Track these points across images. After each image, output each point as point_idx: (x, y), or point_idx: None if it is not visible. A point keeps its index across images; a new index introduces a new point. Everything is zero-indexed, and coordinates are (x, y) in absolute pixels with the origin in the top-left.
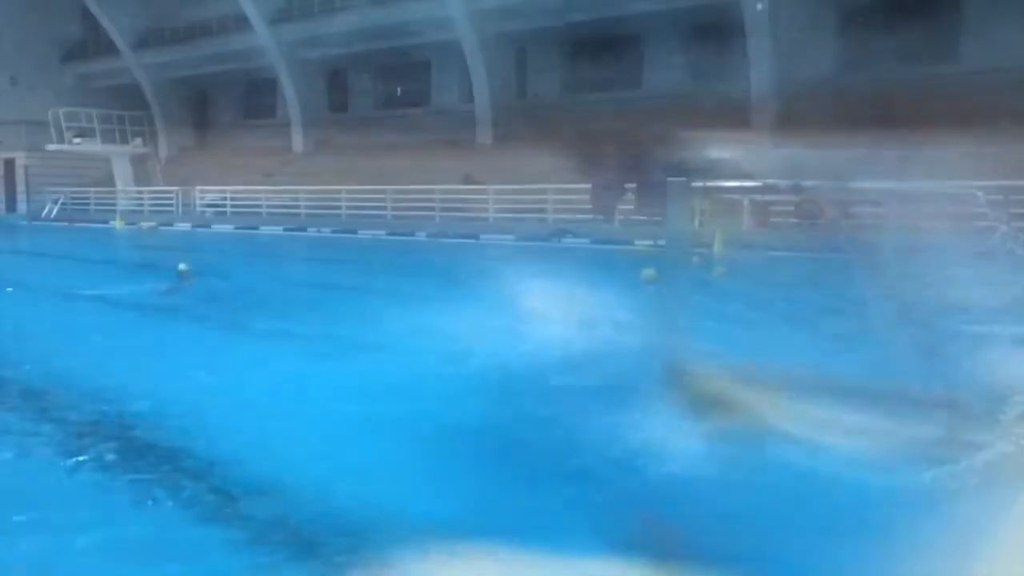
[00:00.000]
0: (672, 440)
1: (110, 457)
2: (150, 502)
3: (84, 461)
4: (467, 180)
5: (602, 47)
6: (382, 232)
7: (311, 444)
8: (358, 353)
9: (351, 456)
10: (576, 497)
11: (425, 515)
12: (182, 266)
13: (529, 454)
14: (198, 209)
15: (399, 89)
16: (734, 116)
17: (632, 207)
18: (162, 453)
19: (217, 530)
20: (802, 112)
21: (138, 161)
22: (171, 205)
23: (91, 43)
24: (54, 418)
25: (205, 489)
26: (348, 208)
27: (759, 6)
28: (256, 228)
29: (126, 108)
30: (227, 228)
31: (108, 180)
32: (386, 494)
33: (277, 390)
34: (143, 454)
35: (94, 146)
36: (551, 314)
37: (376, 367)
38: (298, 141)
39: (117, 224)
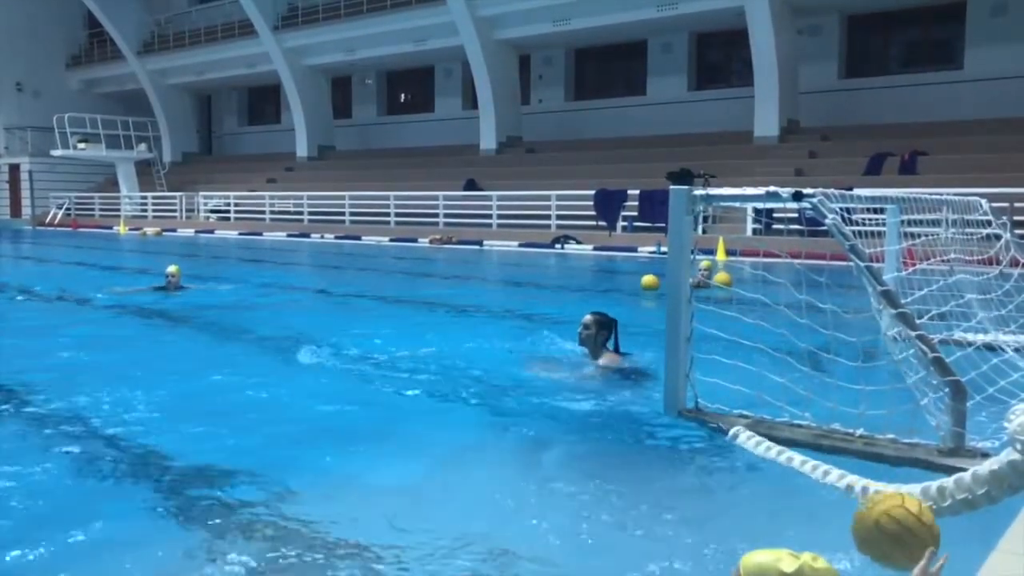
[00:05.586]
0: None
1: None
2: None
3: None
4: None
5: None
6: (385, 239)
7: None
8: None
9: None
10: None
11: None
12: (171, 268)
13: None
14: (202, 214)
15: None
16: None
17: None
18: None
19: None
20: None
21: (142, 166)
22: (175, 210)
23: (96, 49)
24: None
25: None
26: (351, 214)
27: None
28: (260, 234)
29: (131, 114)
30: (231, 234)
31: (112, 185)
32: None
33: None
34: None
35: (99, 151)
36: None
37: None
38: (302, 147)
39: (121, 229)
